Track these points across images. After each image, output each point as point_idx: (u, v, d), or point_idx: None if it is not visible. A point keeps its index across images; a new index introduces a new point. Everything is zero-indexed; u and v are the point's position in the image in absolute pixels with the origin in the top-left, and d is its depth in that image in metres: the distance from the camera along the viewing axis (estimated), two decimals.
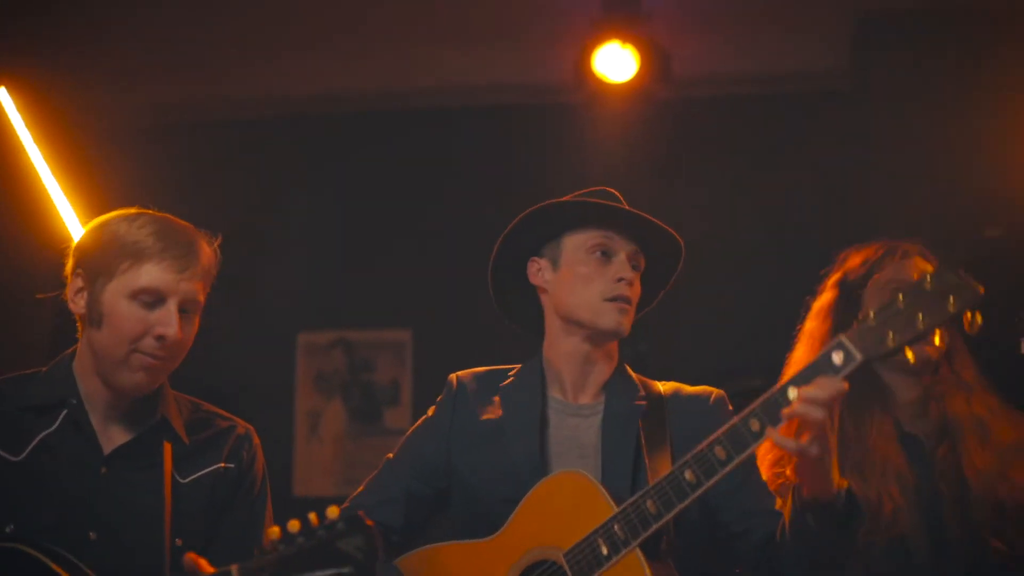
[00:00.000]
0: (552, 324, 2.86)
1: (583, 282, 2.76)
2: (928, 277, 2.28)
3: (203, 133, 6.14)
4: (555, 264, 2.82)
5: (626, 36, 5.35)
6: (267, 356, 6.23)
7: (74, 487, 2.53)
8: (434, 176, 6.23)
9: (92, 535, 2.50)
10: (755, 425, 2.40)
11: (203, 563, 2.34)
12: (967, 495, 2.86)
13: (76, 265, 2.63)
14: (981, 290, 2.26)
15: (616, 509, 2.51)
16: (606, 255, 2.77)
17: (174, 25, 5.59)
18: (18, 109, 4.70)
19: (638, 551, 2.49)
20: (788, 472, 2.84)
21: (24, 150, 4.68)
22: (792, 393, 2.37)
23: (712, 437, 2.44)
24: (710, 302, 5.53)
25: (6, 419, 2.57)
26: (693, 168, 5.92)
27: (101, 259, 2.57)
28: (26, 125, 4.69)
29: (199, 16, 5.54)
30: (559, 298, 2.81)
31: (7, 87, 4.68)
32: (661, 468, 2.60)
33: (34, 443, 2.55)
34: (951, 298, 2.26)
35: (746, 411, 2.42)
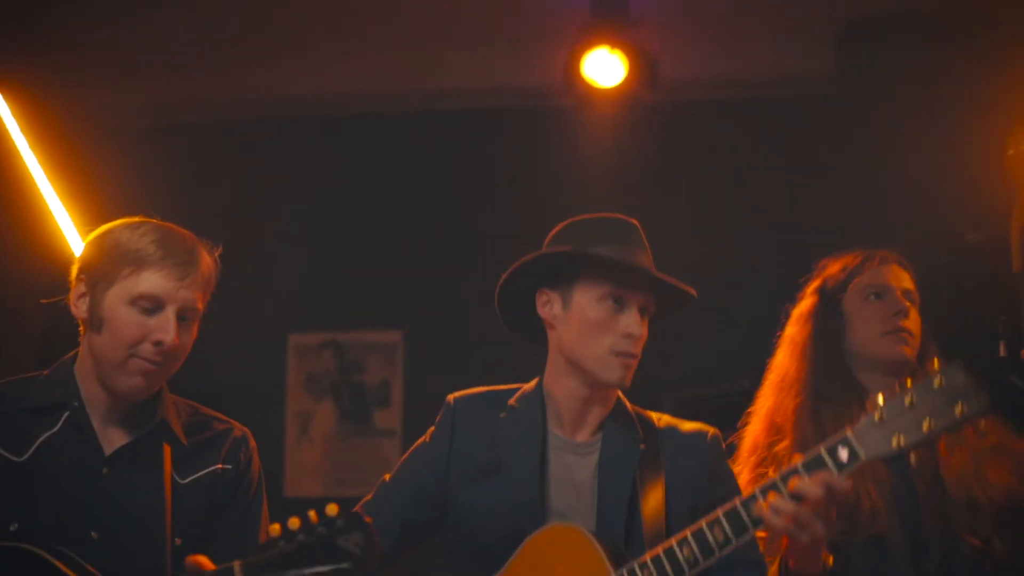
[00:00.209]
0: (555, 359, 2.82)
1: (592, 331, 2.70)
2: (938, 377, 2.27)
3: (198, 134, 6.12)
4: (565, 303, 2.76)
5: (614, 41, 5.37)
6: (258, 357, 6.20)
7: (76, 488, 2.57)
8: (423, 178, 6.22)
9: (94, 535, 2.54)
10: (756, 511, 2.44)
11: (205, 561, 2.38)
12: (944, 495, 2.90)
13: (79, 271, 2.67)
14: (988, 401, 2.24)
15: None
16: (619, 304, 2.71)
17: (174, 25, 5.60)
18: (13, 112, 4.68)
19: None
20: (771, 472, 2.85)
21: (19, 154, 4.67)
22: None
23: (711, 516, 2.47)
24: (699, 304, 5.54)
25: (9, 421, 2.61)
26: (681, 172, 5.92)
27: (103, 265, 2.61)
28: (21, 128, 4.66)
29: (199, 16, 5.55)
30: (566, 340, 2.75)
31: (3, 90, 4.64)
32: (655, 511, 2.63)
33: (36, 444, 2.59)
34: (959, 404, 2.25)
35: (746, 496, 2.46)
